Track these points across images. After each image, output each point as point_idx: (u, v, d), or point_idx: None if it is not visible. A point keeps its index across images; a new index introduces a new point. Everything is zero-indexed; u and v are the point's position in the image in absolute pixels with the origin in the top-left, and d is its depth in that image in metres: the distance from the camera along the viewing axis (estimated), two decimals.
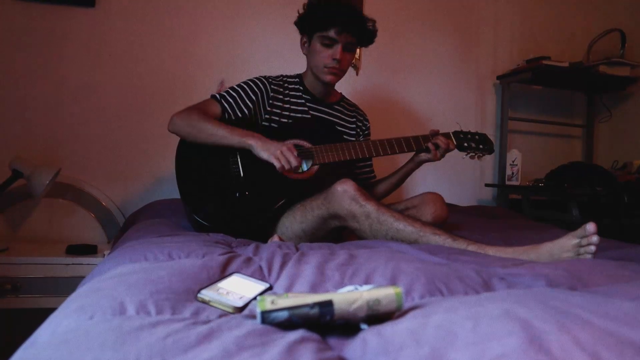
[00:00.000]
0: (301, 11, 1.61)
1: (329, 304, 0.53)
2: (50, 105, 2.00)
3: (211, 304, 0.65)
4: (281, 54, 2.24)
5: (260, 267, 0.87)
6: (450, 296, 0.78)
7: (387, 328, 0.54)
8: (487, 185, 2.62)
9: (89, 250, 1.79)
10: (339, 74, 1.60)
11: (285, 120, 1.62)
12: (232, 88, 1.60)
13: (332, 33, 1.53)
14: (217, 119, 1.52)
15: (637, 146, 2.64)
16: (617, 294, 0.72)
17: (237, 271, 0.81)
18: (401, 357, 0.47)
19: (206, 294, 0.66)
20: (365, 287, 0.58)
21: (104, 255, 1.73)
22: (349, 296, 0.54)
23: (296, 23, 1.63)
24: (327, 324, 0.55)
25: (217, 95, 1.57)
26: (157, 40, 2.13)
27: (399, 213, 1.30)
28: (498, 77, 2.63)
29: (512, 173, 2.48)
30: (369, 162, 1.83)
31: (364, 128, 1.81)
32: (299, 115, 1.64)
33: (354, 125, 1.77)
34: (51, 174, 1.77)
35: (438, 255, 1.06)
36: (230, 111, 1.56)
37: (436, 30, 2.57)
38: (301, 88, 1.68)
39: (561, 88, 2.77)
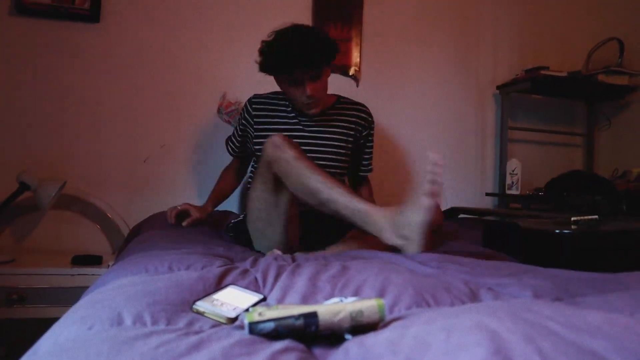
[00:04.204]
0: (257, 58, 1.60)
1: (313, 315, 0.56)
2: (56, 119, 2.05)
3: (205, 314, 0.68)
4: None
5: (256, 279, 0.90)
6: (436, 307, 0.81)
7: (369, 338, 0.57)
8: (487, 194, 2.64)
9: (94, 260, 1.83)
10: (319, 103, 1.62)
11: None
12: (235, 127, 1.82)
13: (292, 74, 1.54)
14: (237, 165, 1.90)
15: (636, 154, 2.65)
16: (594, 305, 0.75)
17: (232, 283, 0.85)
18: None
19: (201, 305, 0.70)
20: (350, 299, 0.61)
21: (109, 265, 1.77)
22: (333, 308, 0.57)
23: (260, 71, 1.62)
24: (313, 335, 0.58)
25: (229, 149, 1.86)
26: (161, 55, 2.18)
27: (317, 166, 1.33)
28: (497, 87, 2.67)
29: (512, 182, 2.51)
30: (367, 156, 1.88)
31: (365, 125, 1.79)
32: (288, 127, 1.69)
33: (353, 125, 1.76)
34: (57, 186, 1.82)
35: (429, 266, 1.09)
36: (238, 153, 1.84)
37: (435, 40, 2.60)
38: (290, 106, 1.71)
39: (560, 97, 2.79)
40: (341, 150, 1.72)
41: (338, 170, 1.71)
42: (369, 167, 1.90)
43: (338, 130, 1.73)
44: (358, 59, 2.46)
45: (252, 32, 2.29)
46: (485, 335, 0.50)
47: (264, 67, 1.59)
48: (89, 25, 2.09)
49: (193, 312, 0.69)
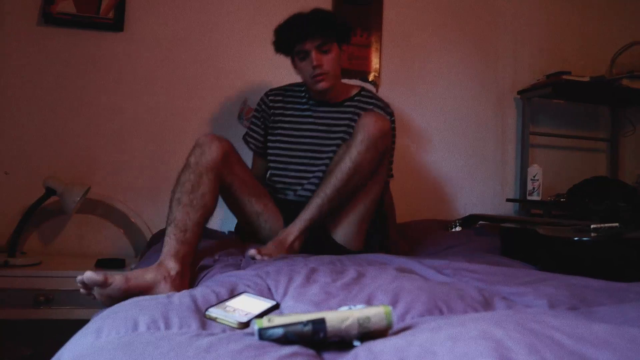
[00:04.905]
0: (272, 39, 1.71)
1: (321, 321, 0.57)
2: (81, 126, 2.11)
3: (218, 320, 0.70)
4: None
5: (268, 286, 0.91)
6: (450, 315, 0.81)
7: (377, 345, 0.58)
8: (508, 200, 2.62)
9: (118, 264, 1.87)
10: (327, 78, 1.63)
11: (287, 126, 1.74)
12: (251, 122, 1.86)
13: (299, 47, 1.61)
14: (260, 163, 1.86)
15: None
16: (609, 315, 0.74)
17: (245, 291, 0.86)
18: None
19: (213, 311, 0.72)
20: (359, 307, 0.62)
21: (131, 268, 1.80)
22: (341, 314, 0.58)
23: (276, 52, 1.72)
24: (322, 341, 0.59)
25: (245, 139, 1.86)
26: (184, 63, 2.22)
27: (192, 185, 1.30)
28: (519, 92, 2.64)
29: (533, 188, 2.48)
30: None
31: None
32: (300, 119, 1.73)
33: None
34: (82, 191, 1.87)
35: (444, 273, 1.09)
36: (258, 151, 1.84)
37: (455, 45, 2.60)
38: (305, 95, 1.76)
39: (583, 102, 2.75)
40: None
41: None
42: (389, 173, 1.83)
43: (352, 123, 1.69)
44: (378, 65, 2.47)
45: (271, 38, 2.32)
46: (490, 344, 0.50)
47: (278, 44, 1.68)
48: (113, 34, 2.14)
49: (206, 318, 0.71)
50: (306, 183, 1.69)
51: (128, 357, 0.55)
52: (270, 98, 1.79)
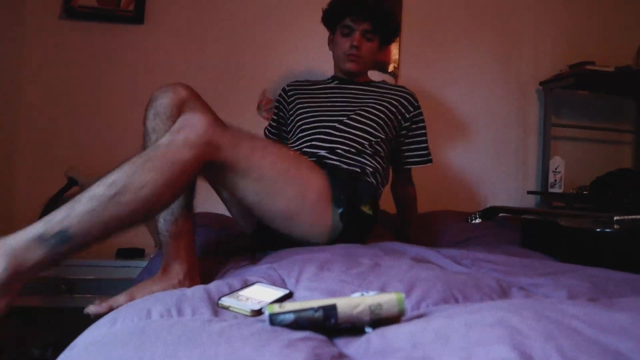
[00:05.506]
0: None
1: (332, 307, 0.57)
2: (103, 117, 2.13)
3: (230, 309, 0.70)
4: (321, 66, 2.28)
5: (281, 276, 0.91)
6: (466, 303, 0.80)
7: (391, 331, 0.58)
8: (529, 192, 2.57)
9: (137, 253, 1.90)
10: (359, 61, 1.65)
11: (309, 99, 1.69)
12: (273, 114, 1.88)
13: (348, 21, 1.63)
14: None
15: None
16: (630, 306, 0.72)
17: (258, 281, 0.86)
18: (396, 357, 0.50)
19: (226, 300, 0.72)
20: (371, 293, 0.61)
21: (150, 258, 1.82)
22: (352, 300, 0.58)
23: (322, 20, 1.75)
24: (334, 328, 0.59)
25: (265, 132, 1.89)
26: (203, 55, 2.23)
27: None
28: (540, 83, 2.59)
29: (555, 180, 2.43)
30: (421, 145, 1.74)
31: (409, 108, 1.67)
32: (323, 93, 1.70)
33: (395, 105, 1.64)
34: None
35: (462, 263, 1.07)
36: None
37: (475, 36, 2.55)
38: (331, 80, 1.77)
39: (607, 93, 2.68)
40: (377, 124, 1.57)
41: (368, 150, 1.52)
42: (427, 158, 1.74)
43: (379, 97, 1.64)
44: (397, 56, 2.44)
45: (292, 30, 2.32)
46: (505, 331, 0.49)
47: (330, 11, 1.70)
48: (133, 26, 2.16)
49: (219, 307, 0.71)
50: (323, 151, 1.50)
51: (141, 342, 0.56)
52: (288, 89, 1.79)
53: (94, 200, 0.87)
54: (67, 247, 0.85)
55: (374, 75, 2.21)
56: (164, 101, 1.05)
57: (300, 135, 1.60)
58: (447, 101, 2.52)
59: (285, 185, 1.13)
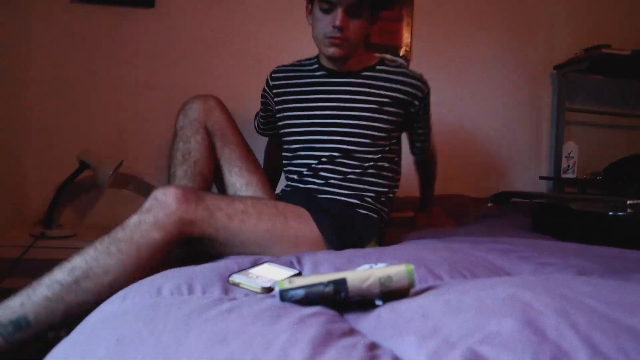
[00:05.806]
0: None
1: (342, 281, 0.57)
2: (113, 102, 2.14)
3: (241, 285, 0.70)
4: None
5: (291, 261, 0.91)
6: (473, 279, 0.79)
7: (401, 305, 0.57)
8: (541, 178, 2.55)
9: None
10: (344, 44, 1.29)
11: (293, 106, 1.44)
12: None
13: None
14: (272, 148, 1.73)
15: None
16: None
17: (269, 260, 0.87)
18: (407, 329, 0.50)
19: (237, 277, 0.72)
20: (380, 265, 0.61)
21: None
22: (362, 274, 0.58)
23: None
24: (344, 302, 0.59)
25: (255, 124, 1.74)
26: (215, 39, 2.22)
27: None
28: (554, 67, 2.55)
29: (568, 166, 2.41)
30: (420, 131, 1.52)
31: (417, 94, 1.40)
32: (308, 97, 1.42)
33: (398, 93, 1.37)
34: (114, 165, 1.90)
35: (473, 247, 1.07)
36: (263, 130, 1.69)
37: (488, 19, 2.52)
38: (317, 66, 1.45)
39: (623, 77, 2.64)
40: (377, 118, 1.35)
41: (371, 148, 1.35)
42: (426, 144, 1.56)
43: (375, 92, 1.37)
44: (409, 40, 2.42)
45: (301, 18, 2.29)
46: (518, 306, 0.49)
47: None
48: (144, 10, 2.15)
49: (229, 283, 0.72)
50: (314, 165, 1.38)
51: (152, 317, 0.56)
52: (273, 77, 1.53)
53: (55, 285, 0.84)
54: (25, 334, 0.81)
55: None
56: (194, 105, 1.26)
57: (288, 155, 1.46)
58: (458, 86, 2.49)
59: (272, 244, 1.08)
